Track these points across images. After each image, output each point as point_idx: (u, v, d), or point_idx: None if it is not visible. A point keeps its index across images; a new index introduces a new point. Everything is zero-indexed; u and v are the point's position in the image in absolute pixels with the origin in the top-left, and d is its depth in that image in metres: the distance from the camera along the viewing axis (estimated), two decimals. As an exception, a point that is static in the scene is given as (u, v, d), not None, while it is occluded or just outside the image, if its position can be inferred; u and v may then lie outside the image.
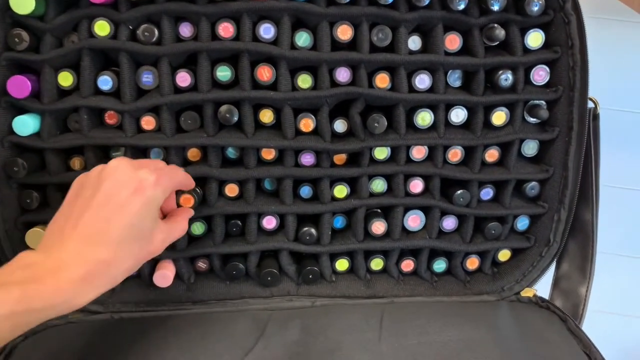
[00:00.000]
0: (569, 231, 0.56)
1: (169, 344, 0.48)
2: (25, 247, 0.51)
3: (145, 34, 0.49)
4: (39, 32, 0.48)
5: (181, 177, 0.47)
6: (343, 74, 0.51)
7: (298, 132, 0.52)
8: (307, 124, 0.52)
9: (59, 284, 0.35)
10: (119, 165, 0.41)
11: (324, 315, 0.52)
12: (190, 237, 0.55)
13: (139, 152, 0.52)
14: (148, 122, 0.51)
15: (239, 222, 0.55)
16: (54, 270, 0.36)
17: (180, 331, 0.50)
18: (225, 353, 0.47)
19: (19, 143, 0.50)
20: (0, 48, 0.48)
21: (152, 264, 0.54)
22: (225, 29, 0.49)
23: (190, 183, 0.49)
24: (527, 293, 0.57)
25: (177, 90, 0.50)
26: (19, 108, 0.50)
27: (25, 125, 0.49)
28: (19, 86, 0.48)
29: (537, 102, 0.53)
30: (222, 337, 0.49)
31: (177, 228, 0.45)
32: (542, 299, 0.56)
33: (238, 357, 0.46)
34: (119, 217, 0.39)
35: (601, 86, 0.54)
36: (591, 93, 0.52)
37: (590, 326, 0.53)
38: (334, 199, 0.55)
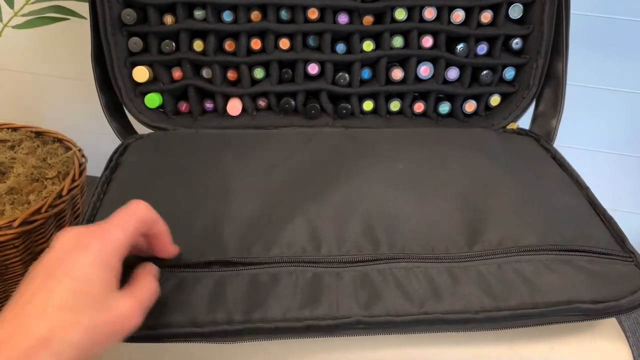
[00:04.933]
0: (545, 79, 0.72)
1: (237, 146, 0.64)
2: (133, 80, 0.69)
3: None
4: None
5: (142, 214, 0.40)
6: (371, -51, 0.67)
7: (336, -3, 0.68)
8: (343, -12, 0.68)
9: None
10: (66, 232, 0.37)
11: (355, 133, 0.69)
12: (253, 81, 0.71)
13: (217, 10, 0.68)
14: (223, -14, 0.67)
15: (290, 71, 0.72)
16: None
17: (247, 140, 0.66)
18: (283, 149, 0.63)
19: (129, -1, 0.66)
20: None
21: (226, 100, 0.71)
22: None
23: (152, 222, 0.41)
24: (511, 126, 0.73)
25: (246, -40, 0.67)
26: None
27: (133, -15, 0.66)
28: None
29: (521, -29, 0.68)
30: (278, 143, 0.65)
31: (142, 289, 0.39)
32: (522, 129, 0.72)
33: (290, 153, 0.62)
34: (59, 281, 0.34)
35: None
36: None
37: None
38: (362, 52, 0.71)
